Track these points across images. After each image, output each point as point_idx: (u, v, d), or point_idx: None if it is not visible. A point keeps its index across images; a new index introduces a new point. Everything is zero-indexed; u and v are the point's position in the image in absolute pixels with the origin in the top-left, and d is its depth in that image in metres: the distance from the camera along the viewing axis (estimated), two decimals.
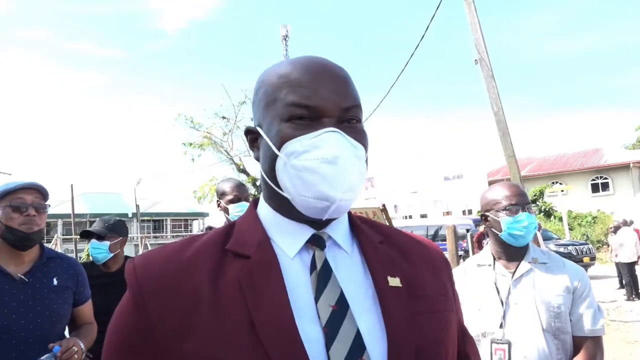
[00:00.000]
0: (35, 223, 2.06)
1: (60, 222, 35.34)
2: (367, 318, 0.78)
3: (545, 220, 23.67)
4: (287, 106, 0.80)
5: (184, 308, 0.74)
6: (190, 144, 27.43)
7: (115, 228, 3.00)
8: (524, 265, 1.92)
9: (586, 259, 14.61)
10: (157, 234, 43.06)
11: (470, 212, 24.70)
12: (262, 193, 0.90)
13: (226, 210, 2.81)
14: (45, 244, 2.39)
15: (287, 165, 0.79)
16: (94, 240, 2.93)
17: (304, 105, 0.79)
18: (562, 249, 14.22)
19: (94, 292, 2.40)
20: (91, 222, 3.26)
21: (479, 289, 1.96)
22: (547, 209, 24.99)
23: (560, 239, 17.79)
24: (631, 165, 26.22)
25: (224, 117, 26.54)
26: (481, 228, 10.72)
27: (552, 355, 1.80)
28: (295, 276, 0.79)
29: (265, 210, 0.87)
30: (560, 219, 22.21)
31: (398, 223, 19.40)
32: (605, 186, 27.32)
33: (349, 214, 0.91)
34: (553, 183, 27.58)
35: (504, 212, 1.93)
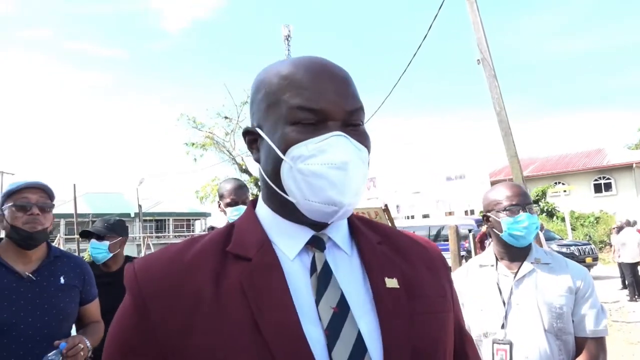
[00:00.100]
0: (40, 222, 2.08)
1: (62, 222, 35.38)
2: (367, 320, 0.78)
3: (548, 220, 23.63)
4: (292, 109, 0.79)
5: (186, 310, 0.74)
6: (193, 144, 27.46)
7: (114, 228, 3.00)
8: (526, 266, 1.92)
9: (589, 260, 14.59)
10: (159, 234, 43.13)
11: (472, 212, 24.68)
12: (260, 194, 0.90)
13: (226, 212, 2.80)
14: None
15: (292, 169, 0.78)
16: (93, 240, 2.94)
17: (310, 108, 0.78)
18: (564, 249, 14.20)
19: None
20: (93, 222, 3.27)
21: (481, 290, 1.96)
22: (549, 209, 24.95)
23: (562, 239, 17.77)
24: (634, 165, 26.17)
25: (226, 117, 26.59)
26: (483, 228, 10.71)
27: (553, 355, 1.80)
28: (295, 278, 0.79)
29: (264, 212, 0.87)
30: (563, 219, 22.17)
31: (400, 223, 19.36)
32: (608, 186, 27.26)
33: None
34: (556, 183, 27.54)
35: (505, 212, 1.93)
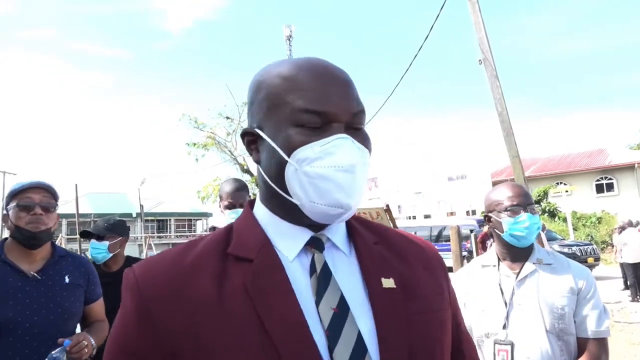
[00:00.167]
0: (43, 222, 2.08)
1: (64, 221, 35.44)
2: (367, 320, 0.78)
3: (550, 220, 23.61)
4: (297, 111, 0.78)
5: (190, 312, 0.74)
6: (194, 144, 27.52)
7: (114, 228, 3.00)
8: (528, 266, 1.92)
9: (590, 260, 14.57)
10: (161, 234, 43.18)
11: (474, 212, 24.67)
12: (258, 194, 0.90)
13: None
14: None
15: (298, 171, 0.78)
16: (93, 241, 2.94)
17: (315, 111, 0.78)
18: (566, 250, 14.19)
19: None
20: (95, 222, 3.29)
21: (483, 290, 1.96)
22: (551, 210, 24.93)
23: (564, 239, 17.76)
24: (636, 165, 26.11)
25: (227, 117, 26.64)
26: (485, 229, 10.70)
27: (555, 356, 1.80)
28: (295, 279, 0.79)
29: (262, 212, 0.87)
30: (565, 220, 22.16)
31: (402, 223, 19.38)
32: (609, 187, 27.21)
33: None
34: (557, 183, 27.51)
35: (506, 212, 1.92)
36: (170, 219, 45.69)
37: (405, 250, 0.91)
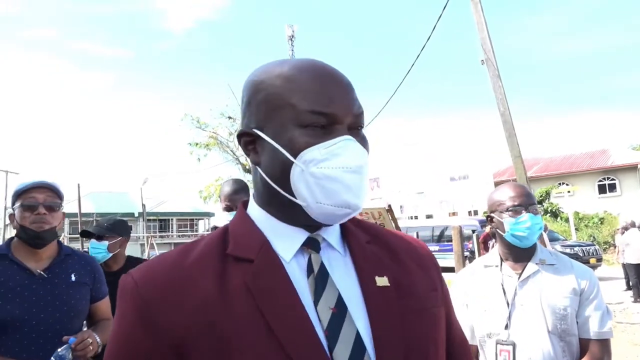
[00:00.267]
0: (47, 222, 2.10)
1: (67, 221, 35.52)
2: (363, 319, 0.79)
3: (552, 221, 23.57)
4: (302, 113, 0.79)
5: (194, 314, 0.74)
6: (197, 144, 27.53)
7: (114, 228, 3.00)
8: (531, 267, 1.91)
9: (593, 260, 14.54)
10: (163, 234, 43.21)
11: (476, 212, 24.62)
12: (254, 196, 0.90)
13: None
14: None
15: (304, 172, 0.78)
16: (93, 240, 2.94)
17: (322, 112, 0.79)
18: (568, 250, 14.14)
19: None
20: (97, 222, 3.31)
21: (485, 290, 1.95)
22: (553, 210, 24.88)
23: (566, 240, 17.71)
24: (638, 166, 26.06)
25: (230, 117, 26.62)
26: (487, 229, 10.70)
27: (557, 357, 1.79)
28: (294, 279, 0.79)
29: (258, 213, 0.87)
30: (567, 220, 22.11)
31: (404, 223, 19.38)
32: (612, 187, 27.16)
33: None
34: (560, 184, 27.46)
35: (508, 212, 1.92)
36: (172, 219, 45.70)
37: (398, 249, 0.92)
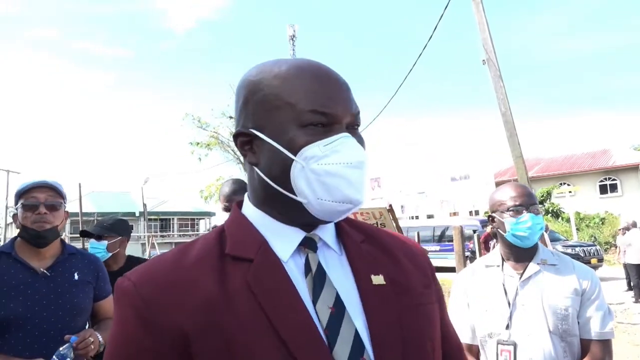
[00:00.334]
0: (47, 221, 2.11)
1: (68, 220, 35.49)
2: (360, 317, 0.80)
3: (553, 221, 23.53)
4: (303, 112, 0.79)
5: (198, 314, 0.74)
6: (198, 144, 27.57)
7: (113, 227, 3.00)
8: (532, 267, 1.91)
9: (594, 261, 14.52)
10: (164, 233, 43.22)
11: (477, 212, 24.61)
12: (248, 196, 0.90)
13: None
14: None
15: (305, 169, 0.79)
16: (92, 240, 2.95)
17: (323, 112, 0.80)
18: (569, 250, 14.13)
19: None
20: (98, 221, 3.33)
21: (487, 290, 1.95)
22: (554, 210, 24.84)
23: (567, 240, 17.68)
24: None
25: (231, 117, 26.60)
26: (488, 229, 10.70)
27: (558, 357, 1.79)
28: (292, 279, 0.79)
29: (253, 213, 0.87)
30: (568, 220, 22.07)
31: (405, 223, 19.36)
32: (613, 187, 27.11)
33: None
34: (561, 184, 27.41)
35: (509, 212, 1.92)
36: (173, 218, 45.73)
37: (392, 248, 0.93)
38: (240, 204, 0.91)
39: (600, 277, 1.88)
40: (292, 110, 0.80)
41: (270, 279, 0.77)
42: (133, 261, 3.04)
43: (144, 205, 31.95)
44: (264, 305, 0.74)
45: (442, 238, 18.64)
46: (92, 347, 2.02)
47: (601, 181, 27.45)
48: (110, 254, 2.94)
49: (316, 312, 0.77)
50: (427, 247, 14.09)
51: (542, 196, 24.98)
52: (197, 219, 47.26)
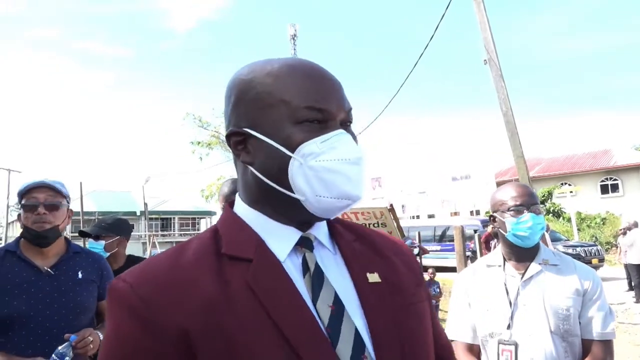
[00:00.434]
0: (47, 221, 2.12)
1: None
2: (359, 315, 0.80)
3: (554, 221, 23.51)
4: (298, 109, 0.80)
5: (198, 315, 0.73)
6: (199, 143, 27.54)
7: (111, 227, 3.01)
8: (534, 267, 1.91)
9: (595, 261, 14.52)
10: (165, 232, 43.23)
11: (477, 212, 24.60)
12: (241, 195, 0.89)
13: None
14: None
15: (303, 166, 0.79)
16: (90, 240, 2.97)
17: (318, 108, 0.80)
18: (570, 250, 14.13)
19: None
20: (99, 221, 3.34)
21: (488, 290, 1.95)
22: (555, 210, 24.82)
23: (568, 240, 17.68)
24: None
25: None
26: (489, 229, 10.68)
27: (559, 357, 1.79)
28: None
29: (247, 213, 0.86)
30: (569, 220, 22.05)
31: (405, 223, 19.36)
32: (614, 187, 27.07)
33: None
34: (562, 184, 27.38)
35: (509, 212, 1.92)
36: (174, 218, 45.72)
37: (382, 246, 0.94)
38: (232, 204, 0.90)
39: (601, 277, 1.87)
40: (286, 107, 0.80)
41: (270, 279, 0.77)
42: (133, 260, 3.04)
43: (145, 204, 31.96)
44: (266, 305, 0.74)
45: (443, 238, 18.64)
46: (92, 346, 2.02)
47: (602, 181, 27.41)
48: (109, 254, 2.94)
49: (317, 311, 0.77)
50: (428, 246, 14.06)
51: (543, 196, 24.97)
52: (198, 218, 47.25)
